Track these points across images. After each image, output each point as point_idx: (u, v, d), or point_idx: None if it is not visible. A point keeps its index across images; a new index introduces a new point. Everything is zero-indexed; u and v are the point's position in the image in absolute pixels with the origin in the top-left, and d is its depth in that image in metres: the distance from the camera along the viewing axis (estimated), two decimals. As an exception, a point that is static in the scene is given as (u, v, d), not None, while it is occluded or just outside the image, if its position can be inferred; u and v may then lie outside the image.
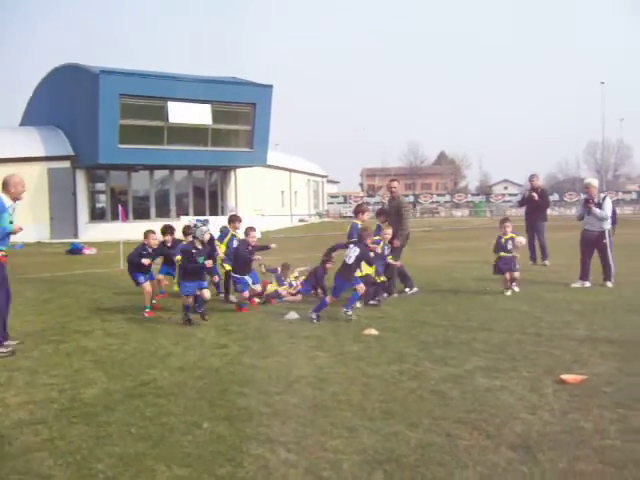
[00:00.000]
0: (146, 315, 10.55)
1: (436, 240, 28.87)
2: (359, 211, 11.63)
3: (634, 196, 77.02)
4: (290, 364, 7.23)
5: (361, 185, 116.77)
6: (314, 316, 9.68)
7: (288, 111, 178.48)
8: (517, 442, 4.82)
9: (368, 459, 4.56)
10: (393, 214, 12.37)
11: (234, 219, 12.46)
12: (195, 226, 10.27)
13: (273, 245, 11.93)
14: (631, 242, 22.21)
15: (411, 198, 78.61)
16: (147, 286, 10.81)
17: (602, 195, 13.36)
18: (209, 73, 38.13)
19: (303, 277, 12.40)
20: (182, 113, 34.22)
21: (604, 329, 8.81)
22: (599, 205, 12.92)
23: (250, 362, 7.38)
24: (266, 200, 43.73)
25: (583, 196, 14.04)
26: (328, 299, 9.99)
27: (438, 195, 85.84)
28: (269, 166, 43.16)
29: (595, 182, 13.50)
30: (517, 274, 12.26)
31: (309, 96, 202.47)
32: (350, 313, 9.82)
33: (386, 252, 11.61)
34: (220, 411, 5.65)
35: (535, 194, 17.25)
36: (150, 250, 11.14)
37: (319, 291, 12.04)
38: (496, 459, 4.53)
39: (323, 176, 69.47)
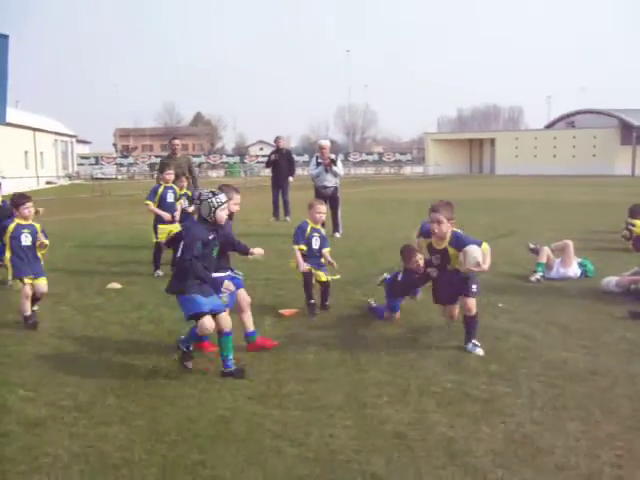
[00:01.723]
0: None
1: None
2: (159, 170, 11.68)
3: (376, 157, 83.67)
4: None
5: (115, 145, 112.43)
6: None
7: (30, 66, 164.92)
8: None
9: (103, 387, 5.19)
10: (185, 171, 12.82)
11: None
12: (201, 198, 5.67)
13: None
14: (365, 198, 24.78)
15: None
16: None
17: (333, 156, 15.12)
18: None
19: None
20: None
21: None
22: (333, 163, 14.65)
23: (-10, 320, 7.51)
24: (7, 161, 40.72)
25: (315, 155, 15.58)
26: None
27: (194, 156, 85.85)
28: (9, 124, 40.14)
29: (328, 143, 15.34)
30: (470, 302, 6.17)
31: (54, 50, 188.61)
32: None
33: None
34: (-44, 365, 5.85)
35: (274, 155, 18.61)
36: None
37: None
38: (217, 380, 5.42)
39: (72, 136, 65.94)
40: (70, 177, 59.07)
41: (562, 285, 8.96)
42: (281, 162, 18.52)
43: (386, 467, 3.81)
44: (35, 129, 50.75)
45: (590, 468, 3.76)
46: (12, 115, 40.35)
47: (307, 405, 4.79)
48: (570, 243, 9.51)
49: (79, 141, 75.17)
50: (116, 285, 9.23)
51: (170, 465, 3.86)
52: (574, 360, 5.71)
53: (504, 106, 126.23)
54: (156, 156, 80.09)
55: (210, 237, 5.64)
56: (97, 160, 75.48)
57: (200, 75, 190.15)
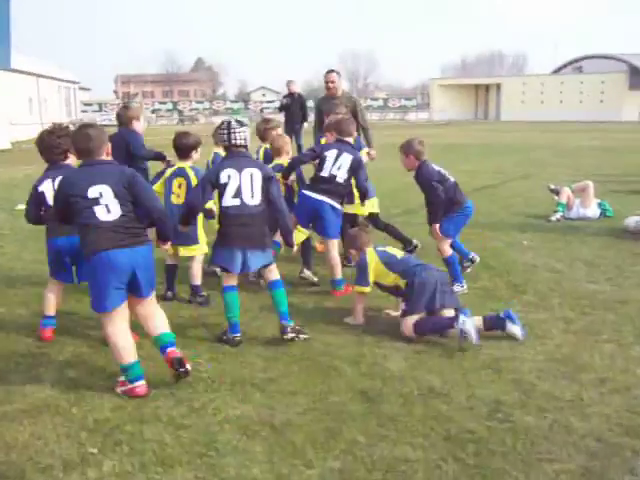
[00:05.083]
0: None
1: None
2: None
3: (381, 103, 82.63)
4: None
5: (115, 92, 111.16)
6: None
7: (29, 10, 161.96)
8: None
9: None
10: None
11: None
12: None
13: None
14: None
15: (170, 105, 77.47)
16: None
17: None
18: None
19: None
20: None
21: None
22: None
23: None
24: (13, 108, 40.52)
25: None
26: None
27: (197, 102, 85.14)
28: (14, 70, 39.73)
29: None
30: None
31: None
32: None
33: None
34: None
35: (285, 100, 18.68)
36: None
37: None
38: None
39: (75, 82, 65.31)
40: (74, 124, 58.70)
41: (582, 225, 9.21)
42: (293, 107, 18.56)
43: (440, 381, 4.15)
44: (39, 75, 50.28)
45: (627, 382, 4.09)
46: (16, 61, 39.94)
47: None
48: (591, 184, 9.73)
49: (81, 88, 74.47)
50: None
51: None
52: (601, 291, 6.02)
53: (508, 53, 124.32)
54: (159, 102, 79.73)
55: None
56: (100, 107, 74.89)
57: (201, 21, 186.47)
